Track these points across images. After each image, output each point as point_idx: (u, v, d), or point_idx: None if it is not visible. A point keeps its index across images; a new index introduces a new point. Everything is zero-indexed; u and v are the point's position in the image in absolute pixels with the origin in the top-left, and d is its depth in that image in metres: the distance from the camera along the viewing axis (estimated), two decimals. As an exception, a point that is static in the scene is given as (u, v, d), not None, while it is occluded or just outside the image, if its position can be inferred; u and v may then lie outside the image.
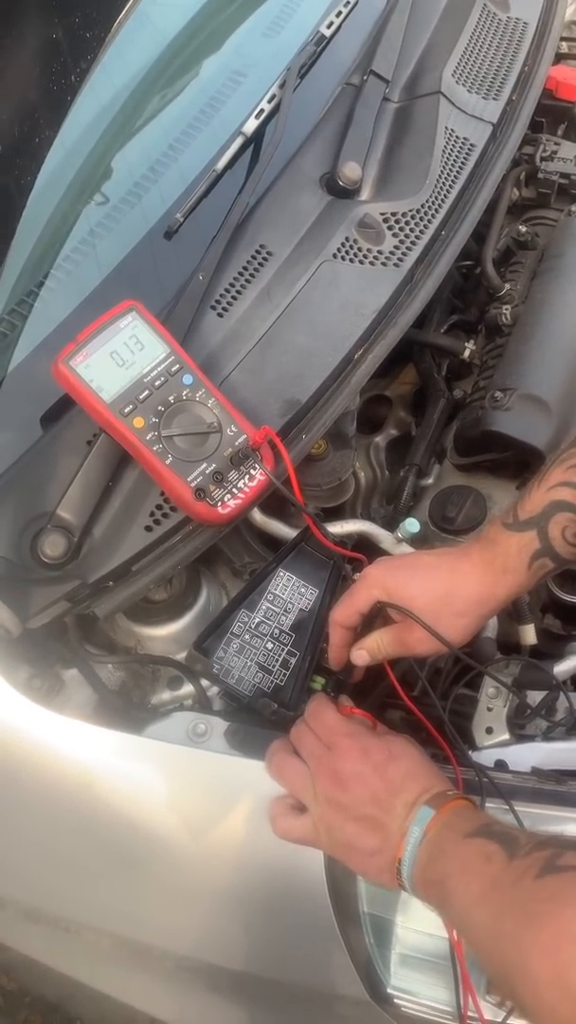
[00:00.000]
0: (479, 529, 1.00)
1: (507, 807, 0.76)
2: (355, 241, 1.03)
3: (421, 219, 1.07)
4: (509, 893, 0.60)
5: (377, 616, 0.83)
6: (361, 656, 0.83)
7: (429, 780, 0.74)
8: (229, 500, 0.85)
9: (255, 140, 1.11)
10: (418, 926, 0.80)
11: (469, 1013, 0.77)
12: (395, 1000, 0.82)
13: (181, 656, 0.93)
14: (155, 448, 0.83)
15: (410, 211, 1.06)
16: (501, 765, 0.84)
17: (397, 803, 0.72)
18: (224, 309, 0.96)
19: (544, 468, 0.81)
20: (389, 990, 0.82)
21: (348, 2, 1.24)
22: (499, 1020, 0.76)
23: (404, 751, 0.77)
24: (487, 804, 0.77)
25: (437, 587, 0.79)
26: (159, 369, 0.85)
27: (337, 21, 1.21)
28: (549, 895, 0.58)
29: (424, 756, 0.77)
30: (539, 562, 0.78)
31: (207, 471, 0.84)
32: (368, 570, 0.84)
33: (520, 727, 0.89)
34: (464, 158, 1.14)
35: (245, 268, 0.99)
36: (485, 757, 0.85)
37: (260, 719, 0.85)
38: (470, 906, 0.63)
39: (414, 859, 0.69)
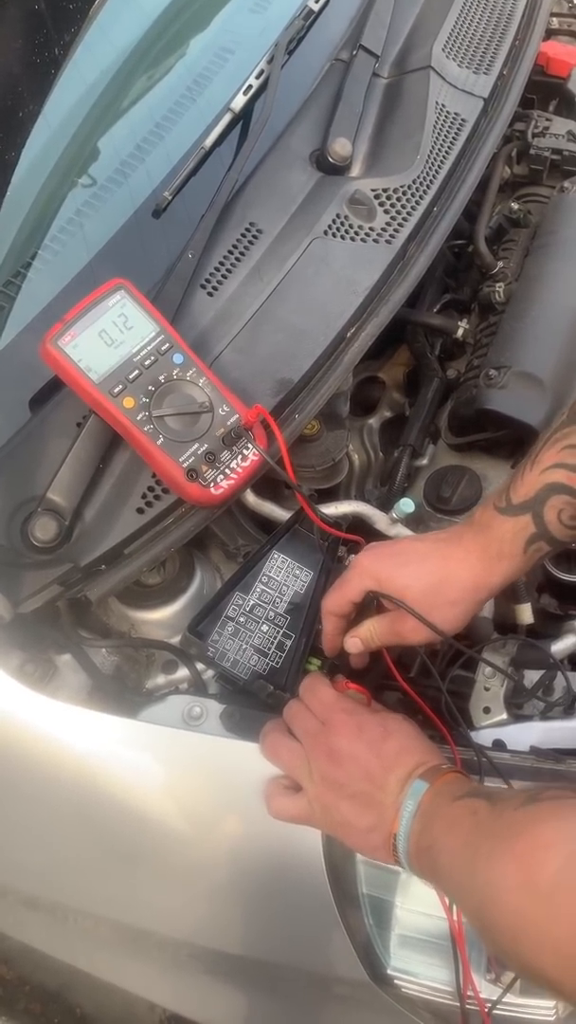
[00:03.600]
0: (471, 511, 0.99)
1: (506, 787, 0.75)
2: (346, 218, 1.01)
3: (413, 195, 1.05)
4: (489, 827, 0.61)
5: (371, 603, 0.83)
6: (355, 644, 0.83)
7: (423, 755, 0.74)
8: (222, 481, 0.84)
9: (243, 117, 1.09)
10: (418, 907, 0.79)
11: (468, 993, 0.77)
12: (395, 981, 0.82)
13: (175, 640, 0.92)
14: (146, 429, 0.82)
15: (401, 187, 1.05)
16: (499, 745, 0.84)
17: (391, 779, 0.72)
18: (214, 288, 0.95)
19: (535, 449, 0.79)
20: (389, 971, 0.82)
21: (336, -24, 1.22)
22: (497, 998, 0.76)
23: (399, 727, 0.76)
24: (486, 784, 0.76)
25: (430, 576, 0.78)
26: (149, 348, 0.84)
27: (325, -5, 1.19)
28: (526, 816, 0.59)
29: (419, 732, 0.77)
30: (535, 546, 0.77)
31: (199, 452, 0.83)
32: (359, 559, 0.82)
33: (518, 707, 0.88)
34: (455, 133, 1.13)
35: (235, 246, 0.97)
36: (483, 737, 0.84)
37: (256, 701, 0.84)
38: (453, 856, 0.63)
39: (409, 833, 0.69)
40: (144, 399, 0.82)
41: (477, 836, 0.61)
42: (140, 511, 0.85)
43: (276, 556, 0.91)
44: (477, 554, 0.78)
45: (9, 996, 1.51)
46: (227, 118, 1.07)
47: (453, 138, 1.12)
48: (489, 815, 0.62)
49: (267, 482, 0.94)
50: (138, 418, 0.82)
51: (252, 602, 0.89)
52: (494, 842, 0.59)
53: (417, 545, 0.83)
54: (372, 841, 0.72)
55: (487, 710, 0.87)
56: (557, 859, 0.54)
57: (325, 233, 1.00)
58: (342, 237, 1.00)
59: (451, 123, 1.13)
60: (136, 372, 0.83)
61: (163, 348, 0.84)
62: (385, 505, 1.00)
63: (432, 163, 1.08)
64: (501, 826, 0.60)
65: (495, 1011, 0.76)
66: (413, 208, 1.04)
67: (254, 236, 0.99)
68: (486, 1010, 0.76)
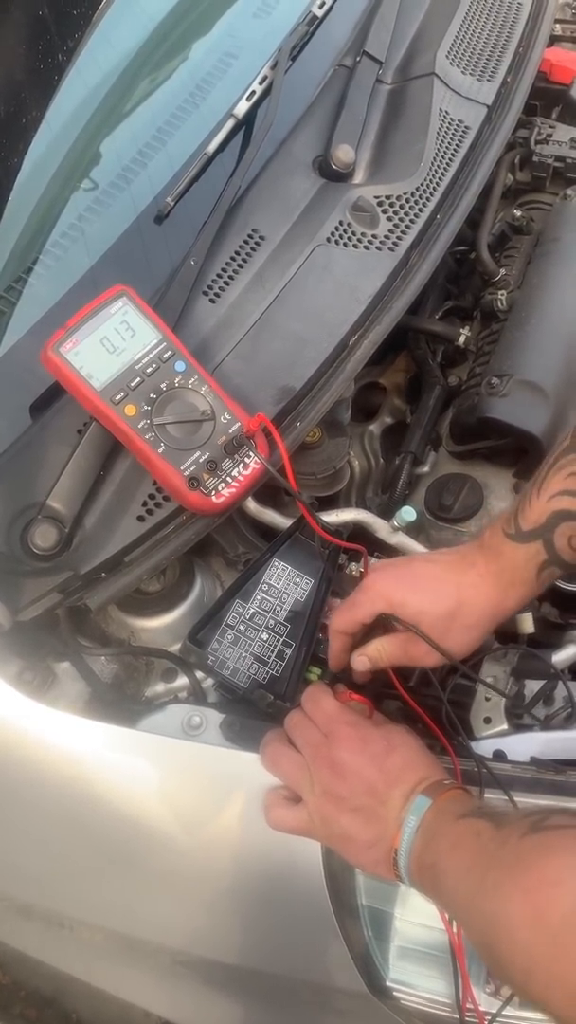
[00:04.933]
0: (478, 530, 0.99)
1: (507, 798, 0.75)
2: (349, 225, 1.01)
3: (416, 202, 1.05)
4: (495, 854, 0.60)
5: (379, 623, 0.82)
6: (362, 663, 0.82)
7: (426, 770, 0.73)
8: (223, 489, 0.84)
9: (246, 123, 1.09)
10: (417, 918, 0.79)
11: (468, 1005, 0.76)
12: (394, 993, 0.81)
13: (175, 648, 0.92)
14: (147, 437, 0.81)
15: (404, 194, 1.05)
16: (500, 755, 0.83)
17: (394, 794, 0.72)
18: (216, 295, 0.95)
19: (540, 475, 0.79)
20: (388, 983, 0.81)
21: (340, -18, 1.22)
22: (496, 1011, 0.76)
23: (403, 741, 0.76)
24: (486, 795, 0.76)
25: (445, 601, 0.77)
26: (151, 356, 0.83)
27: (329, 1, 1.19)
28: (532, 847, 0.58)
29: (422, 746, 0.77)
30: (547, 571, 0.77)
31: (201, 460, 0.83)
32: (371, 581, 0.81)
33: (518, 717, 0.88)
34: (459, 140, 1.12)
35: (237, 253, 0.97)
36: (483, 747, 0.84)
37: (256, 711, 0.84)
38: (458, 879, 0.63)
39: (410, 849, 0.69)
40: (146, 407, 0.82)
41: (483, 862, 0.61)
42: (141, 519, 0.84)
43: (276, 564, 0.91)
44: (491, 580, 0.78)
45: (4, 1001, 1.51)
46: (230, 124, 1.06)
47: (456, 145, 1.12)
48: (493, 839, 0.61)
49: (268, 489, 0.94)
50: (139, 426, 0.81)
51: (252, 610, 0.88)
52: (501, 873, 0.58)
53: (430, 568, 0.81)
54: (372, 856, 0.71)
55: (488, 720, 0.87)
56: (567, 898, 0.54)
57: (328, 240, 0.99)
58: (345, 244, 1.00)
59: (455, 130, 1.13)
60: (138, 380, 0.82)
61: (165, 355, 0.84)
62: (386, 513, 1.00)
63: (435, 170, 1.08)
64: (507, 855, 0.59)
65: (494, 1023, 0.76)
66: (416, 215, 1.04)
67: (256, 243, 0.98)
68: (486, 1022, 0.75)
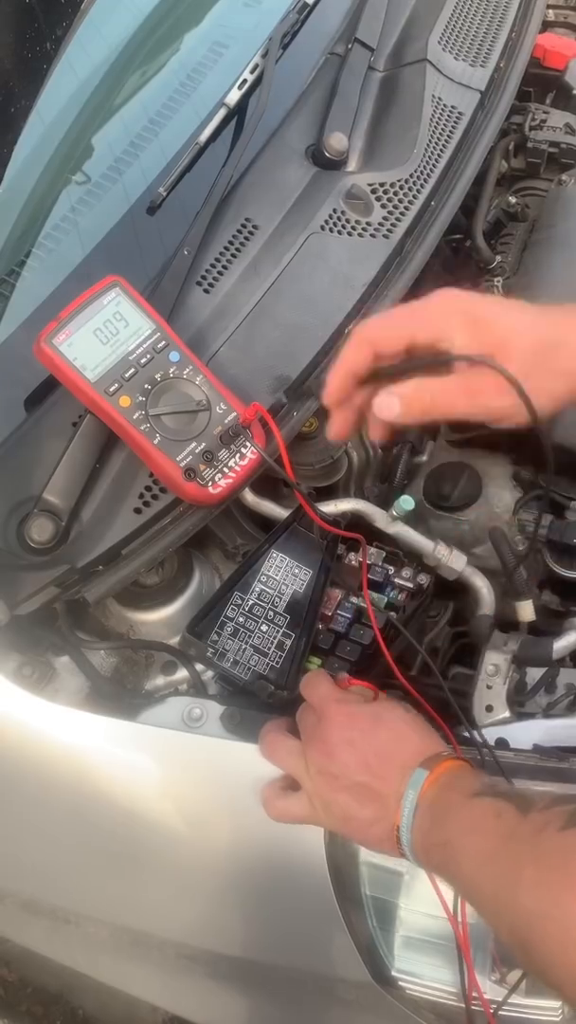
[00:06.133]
0: (477, 519, 0.97)
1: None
2: (343, 213, 1.00)
3: (410, 189, 1.04)
4: (529, 844, 0.57)
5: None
6: (390, 405, 0.61)
7: (422, 742, 0.72)
8: (220, 480, 0.83)
9: (238, 112, 1.08)
10: (421, 908, 0.79)
11: (473, 994, 0.76)
12: (399, 983, 0.81)
13: (174, 640, 0.92)
14: (142, 428, 0.81)
15: (398, 181, 1.04)
16: (502, 743, 0.83)
17: (391, 769, 0.70)
18: (210, 284, 0.94)
19: None
20: (393, 973, 0.81)
21: (331, -31, 1.21)
22: (502, 999, 0.76)
23: (392, 714, 0.74)
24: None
25: (541, 330, 0.60)
26: (145, 346, 0.83)
27: (319, -12, 1.18)
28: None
29: (415, 719, 0.75)
30: None
31: (197, 450, 0.82)
32: (443, 291, 0.63)
33: (520, 704, 0.87)
34: (452, 126, 1.12)
35: (231, 242, 0.97)
36: (486, 735, 0.83)
37: (256, 702, 0.83)
38: (481, 863, 0.60)
39: (412, 824, 0.67)
40: (140, 398, 0.81)
41: (512, 852, 0.58)
42: (138, 511, 0.84)
43: (275, 555, 0.90)
44: None
45: (11, 998, 1.51)
46: (222, 113, 1.06)
47: (450, 132, 1.11)
48: (520, 825, 0.59)
49: (266, 480, 0.93)
50: (134, 417, 0.81)
51: (251, 602, 0.88)
52: (544, 870, 0.55)
53: (518, 304, 0.64)
54: (376, 833, 0.70)
55: (490, 708, 0.86)
56: None
57: (322, 228, 0.99)
58: (339, 232, 0.99)
59: (448, 116, 1.12)
60: (132, 371, 0.82)
61: (159, 346, 0.83)
62: (385, 502, 0.99)
63: (429, 157, 1.08)
64: (550, 851, 0.56)
65: (500, 1012, 0.76)
66: (410, 202, 1.03)
67: (250, 232, 0.98)
68: (491, 1011, 0.75)
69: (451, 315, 0.60)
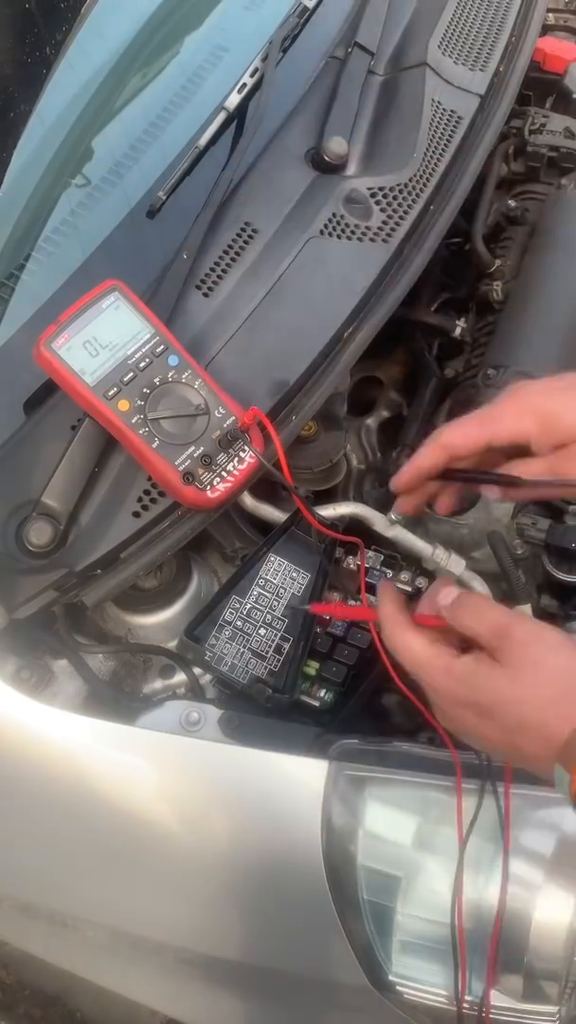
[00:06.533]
0: (476, 523, 0.97)
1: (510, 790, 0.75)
2: (342, 217, 1.00)
3: (409, 194, 1.04)
4: None
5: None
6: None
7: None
8: (218, 484, 0.83)
9: (238, 115, 1.08)
10: (419, 912, 0.79)
11: (467, 998, 0.76)
12: (397, 988, 0.81)
13: (173, 644, 0.92)
14: (141, 432, 0.81)
15: (397, 186, 1.04)
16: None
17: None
18: (209, 288, 0.94)
19: None
20: (390, 977, 0.81)
21: (331, -27, 1.21)
22: (501, 1004, 0.76)
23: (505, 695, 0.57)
24: (487, 787, 0.76)
25: None
26: (144, 350, 0.83)
27: (320, -8, 1.18)
28: None
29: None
30: None
31: (195, 454, 0.82)
32: (518, 388, 0.64)
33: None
34: (451, 131, 1.12)
35: (230, 246, 0.97)
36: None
37: (254, 706, 0.83)
38: None
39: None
40: (139, 402, 0.81)
41: None
42: (136, 515, 0.84)
43: (273, 559, 0.91)
44: None
45: (9, 1000, 1.51)
46: (221, 117, 1.05)
47: (449, 136, 1.11)
48: None
49: (264, 484, 0.93)
50: (133, 421, 0.81)
51: (249, 605, 0.88)
52: None
53: None
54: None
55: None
56: None
57: (321, 233, 0.99)
58: (338, 236, 0.99)
59: (447, 120, 1.12)
60: (131, 375, 0.82)
61: (158, 350, 0.83)
62: (384, 506, 0.99)
63: (428, 161, 1.07)
64: None
65: (498, 1017, 0.76)
66: (410, 207, 1.03)
67: (249, 236, 0.98)
68: (488, 1016, 0.75)
69: (523, 415, 0.62)
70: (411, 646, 0.62)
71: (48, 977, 1.23)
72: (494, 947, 0.75)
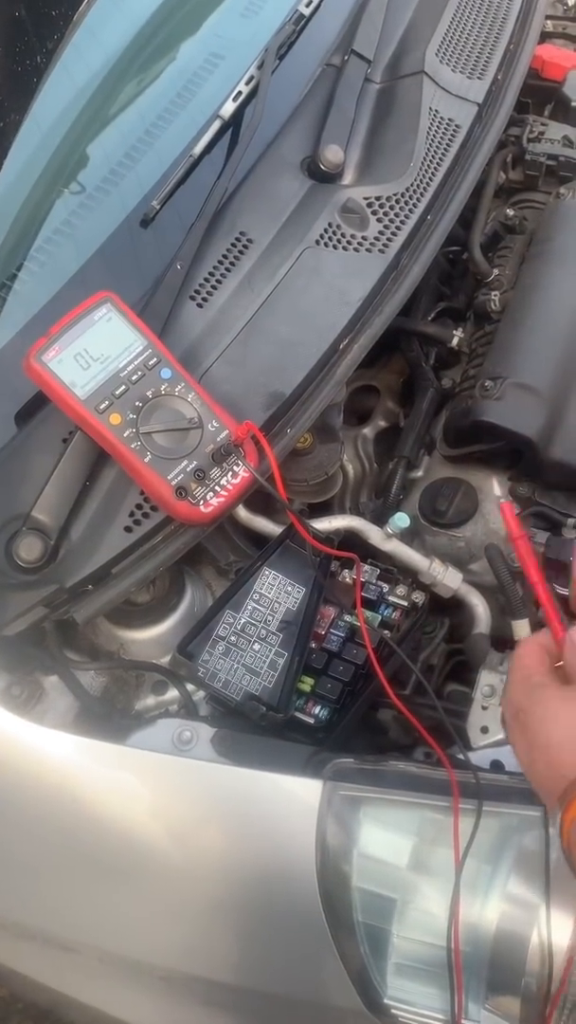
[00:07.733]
0: (473, 536, 0.95)
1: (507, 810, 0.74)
2: (338, 227, 0.99)
3: (406, 203, 1.03)
4: None
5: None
6: None
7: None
8: (212, 498, 0.82)
9: (233, 124, 1.07)
10: (414, 935, 0.77)
11: (464, 1021, 0.75)
12: (392, 1011, 0.80)
13: (165, 659, 0.91)
14: (133, 446, 0.80)
15: (394, 195, 1.03)
16: (497, 765, 0.82)
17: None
18: (204, 299, 0.93)
19: None
20: (386, 1000, 0.80)
21: (327, -21, 1.20)
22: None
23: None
24: (484, 806, 0.74)
25: None
26: (136, 363, 0.82)
27: (316, -1, 1.17)
28: None
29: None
30: None
31: (188, 469, 0.81)
32: None
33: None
34: (449, 140, 1.11)
35: (225, 256, 0.96)
36: (480, 757, 0.82)
37: (248, 723, 0.82)
38: None
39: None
40: (131, 415, 0.80)
41: None
42: (128, 530, 0.83)
43: (267, 573, 0.89)
44: None
45: (1, 1014, 1.50)
46: (216, 125, 1.05)
47: (447, 144, 1.10)
48: None
49: (259, 496, 0.92)
50: (125, 435, 0.80)
51: (243, 620, 0.87)
52: None
53: None
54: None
55: (485, 729, 0.85)
56: None
57: (317, 242, 0.98)
58: (334, 246, 0.98)
59: (445, 129, 1.11)
60: (123, 388, 0.81)
61: (151, 363, 0.82)
62: (380, 518, 0.98)
63: (426, 170, 1.07)
64: None
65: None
66: (407, 216, 1.03)
67: (244, 245, 0.97)
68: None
69: None
70: (525, 644, 0.67)
71: (41, 990, 1.21)
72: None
